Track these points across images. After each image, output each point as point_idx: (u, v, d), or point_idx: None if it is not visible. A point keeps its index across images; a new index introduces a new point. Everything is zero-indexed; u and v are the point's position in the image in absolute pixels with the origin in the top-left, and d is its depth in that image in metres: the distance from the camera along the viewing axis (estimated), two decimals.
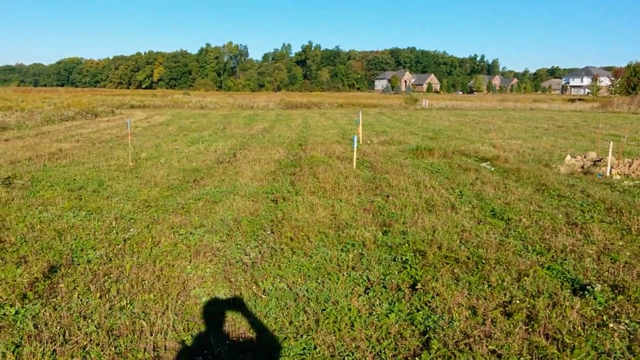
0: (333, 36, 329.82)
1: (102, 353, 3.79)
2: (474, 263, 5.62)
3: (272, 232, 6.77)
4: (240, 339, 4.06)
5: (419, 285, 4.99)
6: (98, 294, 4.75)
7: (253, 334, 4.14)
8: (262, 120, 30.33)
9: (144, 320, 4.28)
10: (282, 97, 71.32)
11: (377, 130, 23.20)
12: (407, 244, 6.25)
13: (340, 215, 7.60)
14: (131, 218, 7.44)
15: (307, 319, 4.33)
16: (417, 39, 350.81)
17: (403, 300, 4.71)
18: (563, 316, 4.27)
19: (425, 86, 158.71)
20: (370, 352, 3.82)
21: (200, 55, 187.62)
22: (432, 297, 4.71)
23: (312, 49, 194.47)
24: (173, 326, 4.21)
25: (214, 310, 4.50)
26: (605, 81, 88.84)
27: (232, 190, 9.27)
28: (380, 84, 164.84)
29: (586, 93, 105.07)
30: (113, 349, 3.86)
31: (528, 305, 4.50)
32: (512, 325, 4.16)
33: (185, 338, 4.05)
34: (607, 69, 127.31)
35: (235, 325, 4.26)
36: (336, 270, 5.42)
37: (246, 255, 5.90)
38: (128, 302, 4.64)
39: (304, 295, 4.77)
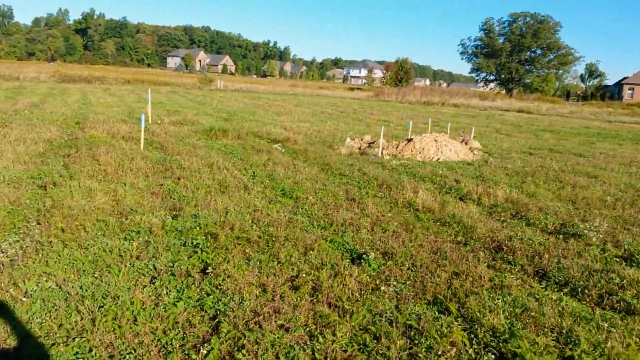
0: (119, 5, 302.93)
1: None
2: (265, 242, 5.72)
3: (39, 224, 5.82)
4: None
5: (210, 269, 4.85)
6: None
7: (10, 345, 3.47)
8: (31, 93, 26.18)
9: None
10: (57, 68, 62.65)
11: (169, 109, 22.15)
12: (198, 228, 6.04)
13: (124, 201, 6.97)
14: None
15: (82, 319, 3.81)
16: (212, 19, 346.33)
17: (193, 286, 4.51)
18: (343, 284, 4.62)
19: (220, 67, 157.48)
20: (156, 346, 3.54)
21: None
22: (223, 280, 4.62)
23: (95, 17, 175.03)
24: None
25: None
26: (378, 73, 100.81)
27: None
28: (173, 62, 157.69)
29: (363, 83, 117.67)
30: None
31: (313, 278, 4.75)
32: (299, 298, 4.33)
33: None
34: (380, 63, 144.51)
35: None
36: (117, 262, 4.92)
37: (2, 252, 4.94)
38: None
39: (77, 294, 4.19)
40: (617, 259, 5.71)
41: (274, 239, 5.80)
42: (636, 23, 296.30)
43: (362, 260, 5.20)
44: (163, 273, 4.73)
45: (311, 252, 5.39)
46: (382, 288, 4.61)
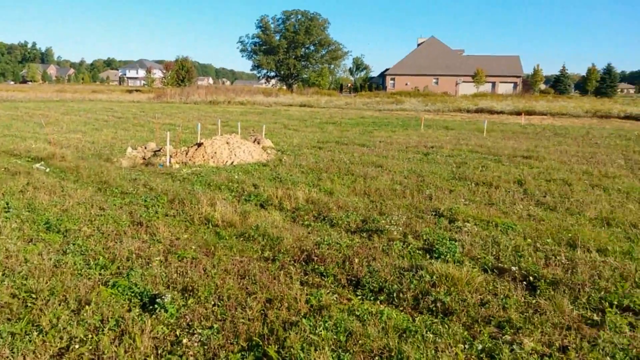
0: None
1: None
2: (21, 303, 4.29)
3: None
4: None
5: None
6: None
7: None
8: None
9: None
10: None
11: None
12: None
13: None
14: None
15: None
16: None
17: None
18: (133, 348, 3.59)
19: None
20: None
21: None
22: None
23: None
24: None
25: None
26: (158, 73, 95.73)
27: None
28: None
29: (142, 84, 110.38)
30: None
31: (91, 346, 3.61)
32: None
33: None
34: (159, 62, 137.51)
35: None
36: None
37: None
38: None
39: None
40: (420, 252, 5.81)
41: (33, 296, 4.39)
42: (394, 18, 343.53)
43: (156, 306, 4.21)
44: None
45: (87, 307, 4.18)
46: (185, 341, 3.72)
